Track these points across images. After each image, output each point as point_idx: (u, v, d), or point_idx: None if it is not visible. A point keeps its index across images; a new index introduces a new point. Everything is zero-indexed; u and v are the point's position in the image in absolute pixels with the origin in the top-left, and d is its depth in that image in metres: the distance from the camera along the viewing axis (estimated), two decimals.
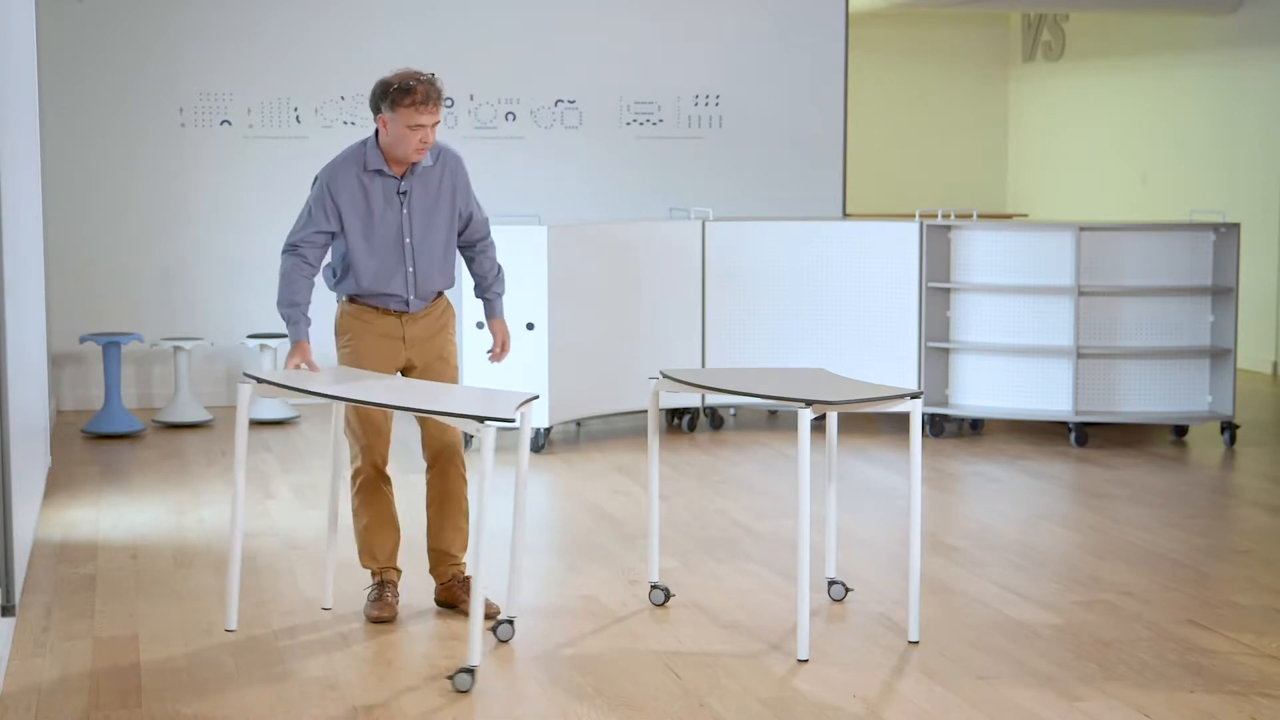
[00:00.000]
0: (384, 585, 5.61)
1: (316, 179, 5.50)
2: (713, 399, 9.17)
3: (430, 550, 5.71)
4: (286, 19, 10.25)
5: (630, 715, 4.58)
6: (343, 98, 10.31)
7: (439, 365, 5.63)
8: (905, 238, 9.15)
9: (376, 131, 5.45)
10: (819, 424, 5.63)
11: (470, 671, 4.77)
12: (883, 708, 4.66)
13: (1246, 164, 12.08)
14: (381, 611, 5.52)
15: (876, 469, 8.29)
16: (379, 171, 5.43)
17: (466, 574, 5.63)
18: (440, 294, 5.63)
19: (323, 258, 5.51)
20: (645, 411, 5.72)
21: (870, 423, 9.41)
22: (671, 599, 5.72)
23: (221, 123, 10.20)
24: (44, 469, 7.75)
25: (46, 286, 8.69)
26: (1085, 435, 8.91)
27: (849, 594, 5.80)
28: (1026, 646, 5.23)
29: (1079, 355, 8.85)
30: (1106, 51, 13.73)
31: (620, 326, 9.01)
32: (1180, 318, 8.92)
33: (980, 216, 9.36)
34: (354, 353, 5.55)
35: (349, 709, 4.64)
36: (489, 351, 5.72)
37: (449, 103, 10.44)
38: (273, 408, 9.50)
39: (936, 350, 9.17)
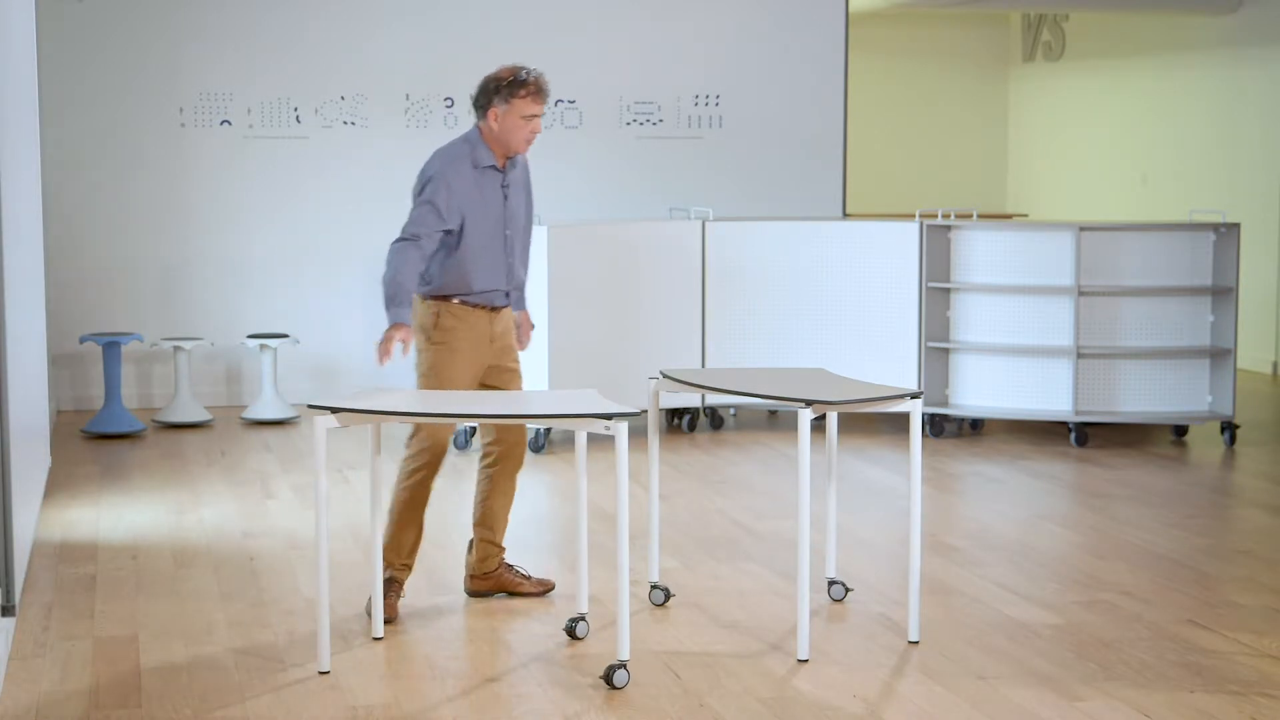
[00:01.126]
0: (391, 583, 5.61)
1: (429, 177, 5.57)
2: (713, 399, 9.17)
3: (482, 542, 5.77)
4: (286, 19, 10.25)
5: (630, 715, 4.58)
6: (343, 98, 10.31)
7: (508, 361, 5.73)
8: (905, 238, 9.15)
9: (477, 128, 5.60)
10: (819, 424, 5.64)
11: (623, 666, 4.79)
12: (883, 708, 4.66)
13: (1246, 164, 12.08)
14: (385, 611, 5.53)
15: (876, 469, 8.29)
16: (491, 167, 5.59)
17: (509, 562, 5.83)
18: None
19: (433, 253, 5.56)
20: (645, 412, 5.71)
21: (870, 423, 9.41)
22: (671, 599, 5.72)
23: (221, 123, 10.20)
24: (44, 469, 7.74)
25: (46, 286, 8.69)
26: (1085, 435, 8.91)
27: (849, 594, 5.80)
28: (1026, 646, 5.23)
29: (1079, 355, 8.85)
30: (1106, 51, 13.73)
31: (620, 326, 9.01)
32: (1180, 318, 8.92)
33: (980, 216, 9.36)
34: (450, 351, 5.59)
35: (349, 709, 4.64)
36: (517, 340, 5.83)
37: (449, 102, 10.45)
38: (273, 407, 9.50)
39: (936, 350, 9.17)
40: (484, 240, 5.57)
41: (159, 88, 10.11)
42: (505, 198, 5.62)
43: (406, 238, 5.49)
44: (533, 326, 5.89)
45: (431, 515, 7.17)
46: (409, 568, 5.68)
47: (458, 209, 5.52)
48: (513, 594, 5.79)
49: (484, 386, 5.69)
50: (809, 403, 4.99)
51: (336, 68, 10.30)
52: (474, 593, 5.80)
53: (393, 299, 5.43)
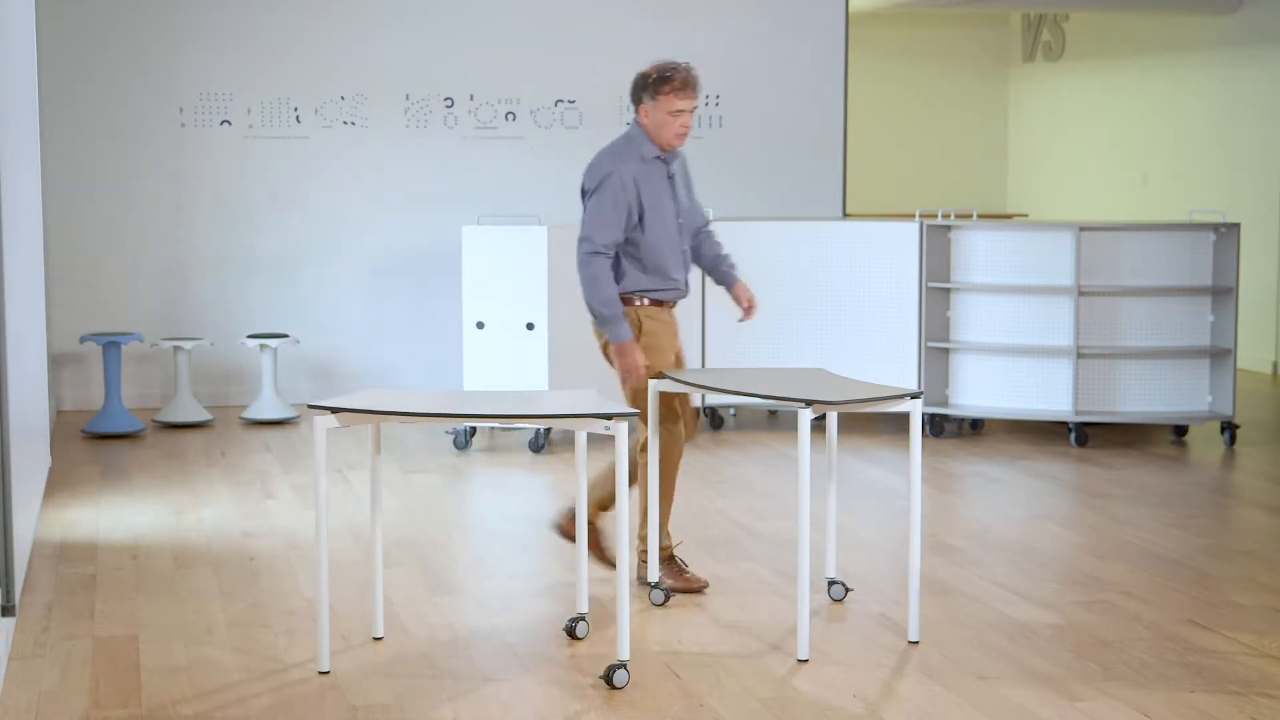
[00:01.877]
0: (670, 560, 5.80)
1: (603, 176, 5.63)
2: (713, 399, 9.17)
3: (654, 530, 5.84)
4: (286, 19, 10.25)
5: (630, 715, 4.58)
6: (343, 98, 10.31)
7: (681, 352, 5.87)
8: (905, 238, 9.15)
9: (637, 124, 5.71)
10: (819, 424, 5.64)
11: (622, 667, 4.80)
12: (883, 708, 4.66)
13: (1246, 164, 12.08)
14: (689, 583, 5.77)
15: (877, 469, 8.29)
16: (656, 158, 5.69)
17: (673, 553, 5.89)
18: None
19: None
20: (645, 412, 5.71)
21: (870, 423, 9.41)
22: (671, 599, 5.72)
23: (221, 123, 10.20)
24: (44, 469, 7.74)
25: (46, 286, 8.69)
26: (1085, 435, 8.91)
27: (849, 594, 5.80)
28: (1026, 646, 5.23)
29: (1079, 355, 8.85)
30: (1106, 51, 13.73)
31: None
32: (1180, 318, 8.92)
33: (980, 216, 9.36)
34: (659, 353, 5.72)
35: (349, 709, 4.64)
36: (740, 318, 5.90)
37: (449, 102, 10.45)
38: (273, 407, 9.50)
39: (936, 350, 9.17)
40: (663, 231, 5.69)
41: (159, 88, 10.11)
42: (673, 188, 5.73)
43: (598, 250, 5.60)
44: (753, 294, 5.91)
45: (431, 515, 7.19)
46: (669, 541, 5.85)
47: (638, 208, 5.64)
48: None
49: None
50: (809, 403, 5.00)
51: (336, 68, 10.30)
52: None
53: (611, 319, 5.60)
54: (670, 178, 5.74)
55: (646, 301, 5.72)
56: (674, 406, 5.76)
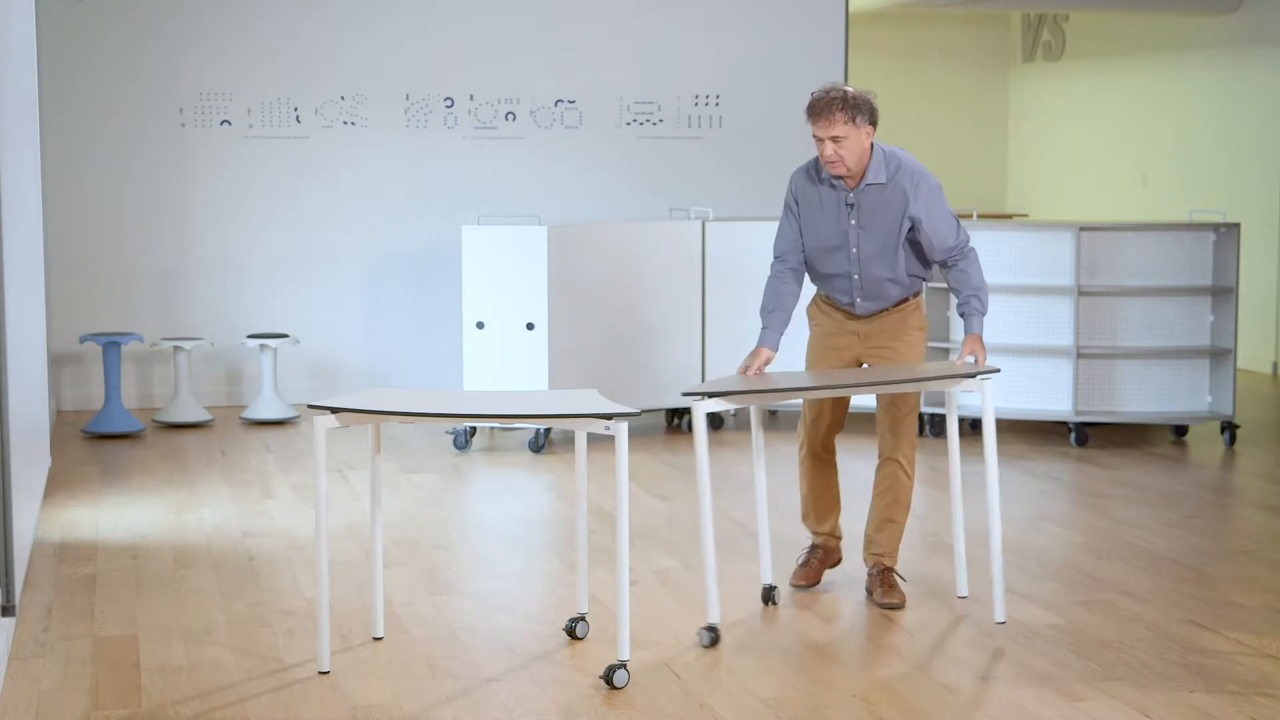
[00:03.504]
0: (813, 549, 5.91)
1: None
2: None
3: (865, 535, 5.94)
4: (286, 19, 10.25)
5: (630, 715, 4.58)
6: (343, 98, 10.31)
7: (891, 356, 5.94)
8: None
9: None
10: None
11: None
12: (883, 708, 4.66)
13: (1246, 164, 12.08)
14: (798, 579, 5.86)
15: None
16: (827, 182, 5.71)
17: (885, 564, 5.83)
18: (905, 299, 5.89)
19: (802, 261, 5.82)
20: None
21: (870, 422, 9.38)
22: (673, 600, 5.72)
23: (221, 123, 10.20)
24: (44, 469, 7.74)
25: (46, 286, 8.68)
26: (1085, 435, 8.91)
27: (847, 595, 5.80)
28: (1026, 646, 5.23)
29: (1079, 355, 8.85)
30: (1106, 51, 13.73)
31: (620, 326, 9.01)
32: (1180, 318, 8.92)
33: (980, 216, 9.36)
34: (811, 338, 5.96)
35: (349, 709, 4.64)
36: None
37: (449, 102, 10.44)
38: (273, 407, 9.50)
39: (936, 350, 9.16)
40: (824, 250, 5.73)
41: (159, 88, 10.11)
42: (851, 216, 5.67)
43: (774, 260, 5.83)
44: (976, 352, 5.92)
45: (431, 515, 7.19)
46: (835, 537, 5.96)
47: (799, 217, 5.75)
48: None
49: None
50: (706, 395, 4.97)
51: (336, 68, 10.30)
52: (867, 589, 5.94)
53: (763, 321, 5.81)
54: (850, 206, 5.68)
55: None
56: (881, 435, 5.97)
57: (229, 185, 10.23)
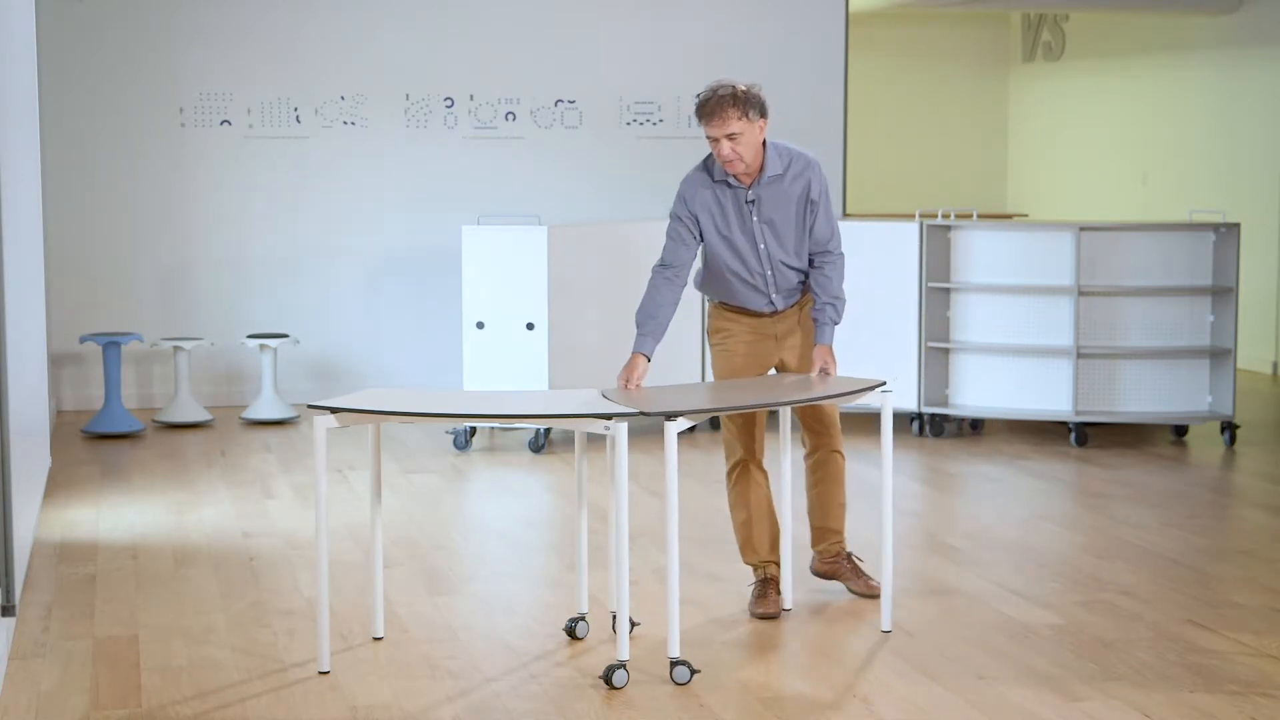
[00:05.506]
0: (766, 582, 5.68)
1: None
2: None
3: (814, 528, 5.86)
4: (286, 19, 10.25)
5: (630, 715, 4.58)
6: (343, 98, 10.31)
7: (804, 352, 5.73)
8: (905, 238, 9.15)
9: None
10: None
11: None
12: (883, 707, 4.66)
13: (1246, 164, 12.08)
14: (766, 608, 5.59)
15: (876, 470, 8.27)
16: (724, 181, 5.54)
17: (848, 550, 5.87)
18: (805, 290, 5.73)
19: (688, 268, 5.65)
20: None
21: (870, 422, 9.38)
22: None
23: (221, 123, 10.20)
24: (44, 469, 7.75)
25: (46, 286, 8.68)
26: (1085, 435, 8.91)
27: (844, 596, 5.80)
28: (1026, 646, 5.23)
29: (1079, 355, 8.85)
30: (1106, 51, 13.73)
31: (620, 327, 8.98)
32: (1180, 318, 8.92)
33: (980, 216, 9.36)
34: (726, 351, 5.74)
35: (349, 709, 4.64)
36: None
37: (449, 102, 10.44)
38: (273, 407, 9.50)
39: (936, 350, 9.17)
40: (733, 253, 5.59)
41: (159, 88, 10.11)
42: (754, 213, 5.54)
43: (656, 266, 5.65)
44: (826, 364, 5.56)
45: (431, 515, 7.19)
46: (776, 564, 5.70)
47: (699, 225, 5.58)
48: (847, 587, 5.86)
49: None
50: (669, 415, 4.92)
51: (336, 68, 10.30)
52: (814, 572, 5.91)
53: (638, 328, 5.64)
54: (750, 203, 5.53)
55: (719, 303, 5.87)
56: (810, 428, 5.79)
57: (229, 185, 10.23)
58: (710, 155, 5.53)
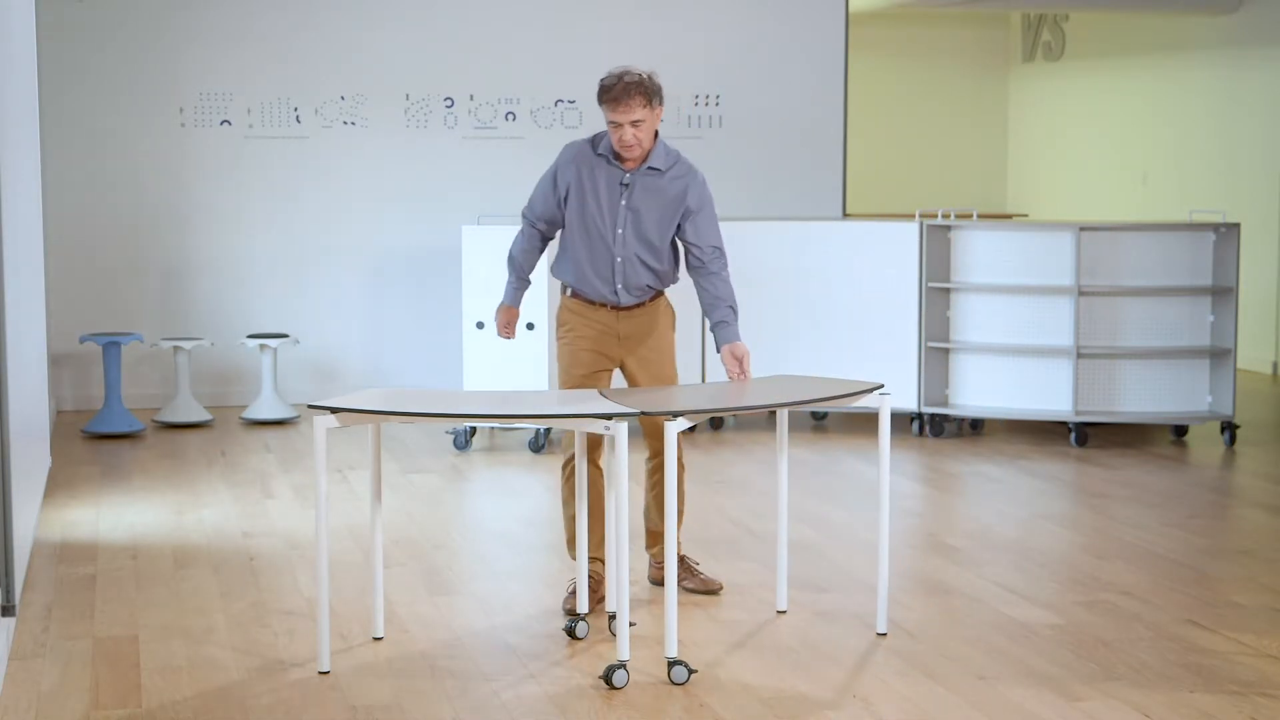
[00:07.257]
0: (592, 580, 5.67)
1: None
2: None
3: (648, 531, 5.88)
4: (286, 19, 10.25)
5: (630, 715, 4.58)
6: (343, 98, 10.31)
7: (650, 356, 5.74)
8: (905, 238, 9.15)
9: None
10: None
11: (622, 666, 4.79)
12: (883, 707, 4.66)
13: (1246, 164, 12.09)
14: (574, 605, 5.57)
15: (876, 469, 8.27)
16: (604, 157, 5.58)
17: (682, 554, 5.85)
18: (659, 293, 5.78)
19: (556, 229, 5.73)
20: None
21: (870, 422, 9.39)
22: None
23: (221, 123, 10.20)
24: (44, 469, 7.75)
25: (46, 286, 8.69)
26: (1085, 435, 8.91)
27: (845, 594, 5.80)
28: (1026, 646, 5.23)
29: (1079, 355, 8.85)
30: (1106, 51, 13.73)
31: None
32: (1180, 318, 8.92)
33: (980, 216, 9.36)
34: (568, 345, 5.71)
35: (349, 709, 4.64)
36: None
37: (449, 102, 10.44)
38: (273, 407, 9.50)
39: (936, 350, 9.17)
40: (586, 231, 5.61)
41: (159, 88, 10.11)
42: (623, 196, 5.56)
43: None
44: (740, 360, 5.58)
45: (431, 515, 7.20)
46: (600, 560, 5.65)
47: (568, 191, 5.61)
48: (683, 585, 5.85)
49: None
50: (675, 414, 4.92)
51: (336, 68, 10.30)
52: (653, 580, 5.91)
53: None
54: (624, 185, 5.56)
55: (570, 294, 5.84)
56: (651, 434, 5.68)
57: (229, 185, 10.23)
58: (599, 134, 5.61)
